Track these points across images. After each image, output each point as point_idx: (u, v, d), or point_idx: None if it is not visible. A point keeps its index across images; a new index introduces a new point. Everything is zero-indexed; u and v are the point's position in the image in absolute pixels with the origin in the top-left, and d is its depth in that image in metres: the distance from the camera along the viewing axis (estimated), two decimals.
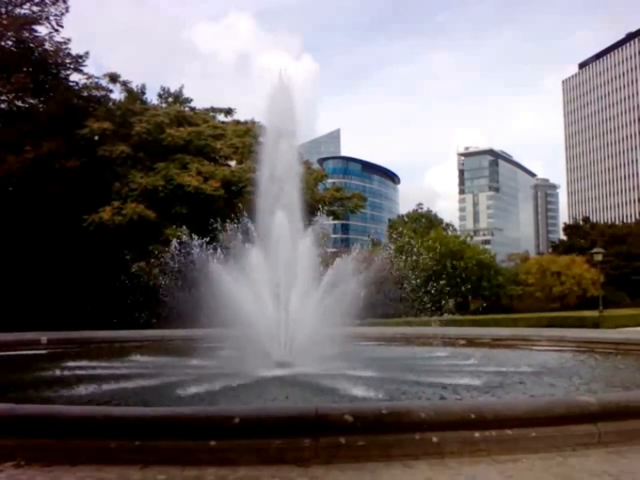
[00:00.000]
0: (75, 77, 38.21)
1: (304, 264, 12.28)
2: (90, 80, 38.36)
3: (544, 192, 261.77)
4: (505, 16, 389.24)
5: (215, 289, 11.91)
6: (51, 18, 36.40)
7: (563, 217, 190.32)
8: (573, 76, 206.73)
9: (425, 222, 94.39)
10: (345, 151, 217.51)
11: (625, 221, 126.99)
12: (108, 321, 25.07)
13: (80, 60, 37.65)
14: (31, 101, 37.54)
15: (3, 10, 36.54)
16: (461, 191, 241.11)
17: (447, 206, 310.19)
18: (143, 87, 44.13)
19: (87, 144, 34.79)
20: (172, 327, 19.35)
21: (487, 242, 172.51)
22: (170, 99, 44.68)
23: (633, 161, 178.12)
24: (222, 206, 33.10)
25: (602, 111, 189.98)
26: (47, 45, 36.46)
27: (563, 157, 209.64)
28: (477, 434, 5.52)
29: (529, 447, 5.56)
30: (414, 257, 16.69)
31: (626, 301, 64.79)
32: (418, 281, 16.06)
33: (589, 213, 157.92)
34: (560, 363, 13.16)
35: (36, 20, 36.31)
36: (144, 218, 32.95)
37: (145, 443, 5.29)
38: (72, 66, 37.61)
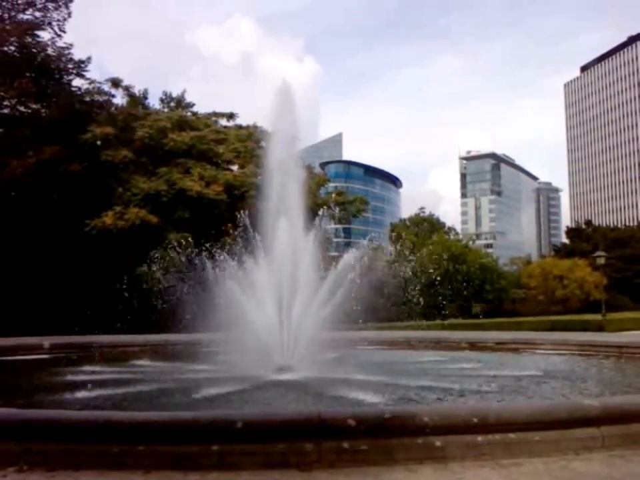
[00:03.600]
0: (77, 82, 38.49)
1: (306, 269, 12.28)
2: (92, 85, 38.59)
3: (546, 195, 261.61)
4: (508, 20, 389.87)
5: (218, 293, 11.92)
6: (54, 23, 36.69)
7: (565, 220, 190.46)
8: (574, 79, 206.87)
9: (427, 226, 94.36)
10: (347, 155, 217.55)
11: (627, 224, 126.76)
12: (110, 325, 25.02)
13: (82, 65, 37.86)
14: (34, 106, 37.68)
15: (6, 15, 36.73)
16: (463, 195, 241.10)
17: (449, 209, 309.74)
18: (145, 91, 44.37)
19: (90, 149, 34.88)
20: (175, 331, 19.34)
21: (489, 246, 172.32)
22: (172, 104, 44.83)
23: (635, 164, 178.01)
24: (224, 210, 33.15)
25: (604, 113, 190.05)
26: (50, 50, 36.67)
27: (565, 160, 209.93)
28: (480, 438, 5.51)
29: (533, 450, 5.55)
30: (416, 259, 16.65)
31: (629, 305, 64.59)
32: (419, 285, 16.02)
33: (592, 216, 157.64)
34: (563, 366, 13.13)
35: (38, 25, 36.51)
36: (146, 222, 33.01)
37: (148, 448, 5.28)
38: (74, 71, 37.78)
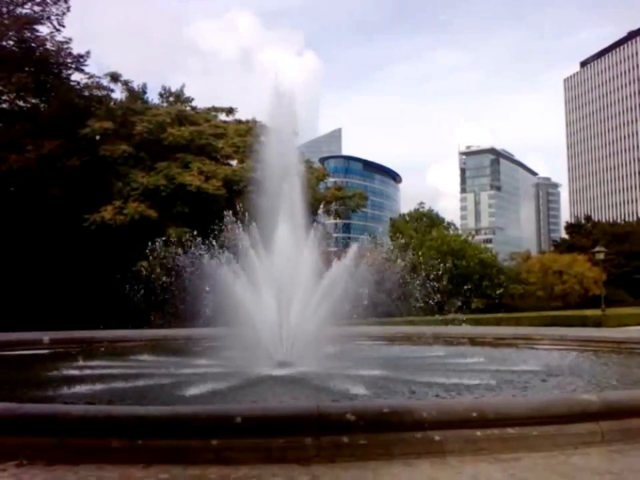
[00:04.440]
0: (76, 76, 38.43)
1: (305, 264, 12.27)
2: (91, 79, 38.51)
3: (545, 190, 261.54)
4: (508, 15, 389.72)
5: (217, 288, 11.92)
6: (52, 17, 36.62)
7: (565, 215, 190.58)
8: (574, 74, 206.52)
9: (426, 221, 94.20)
10: (346, 150, 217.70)
11: (626, 219, 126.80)
12: (110, 320, 25.05)
13: (81, 59, 37.78)
14: (33, 100, 37.65)
15: (5, 10, 36.62)
16: (463, 190, 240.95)
17: (449, 205, 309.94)
18: (144, 86, 44.36)
19: (89, 143, 34.85)
20: (174, 326, 19.36)
21: (488, 241, 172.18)
22: (171, 98, 44.78)
23: (635, 159, 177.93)
24: (223, 205, 33.10)
25: (603, 109, 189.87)
26: (48, 45, 36.58)
27: (564, 155, 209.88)
28: (478, 432, 5.52)
29: (531, 445, 5.56)
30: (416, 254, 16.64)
31: (628, 300, 64.68)
32: (419, 280, 16.01)
33: (591, 212, 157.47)
34: (562, 361, 13.14)
35: (37, 19, 36.42)
36: (145, 217, 32.99)
37: (147, 442, 5.29)
38: (73, 65, 37.71)
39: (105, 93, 39.73)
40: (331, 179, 60.47)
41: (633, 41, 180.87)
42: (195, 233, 13.79)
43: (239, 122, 42.33)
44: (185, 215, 34.03)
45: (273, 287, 11.92)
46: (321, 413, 5.42)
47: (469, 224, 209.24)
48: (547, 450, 5.52)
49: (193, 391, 8.42)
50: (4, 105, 37.19)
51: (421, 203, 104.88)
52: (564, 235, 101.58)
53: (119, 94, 41.26)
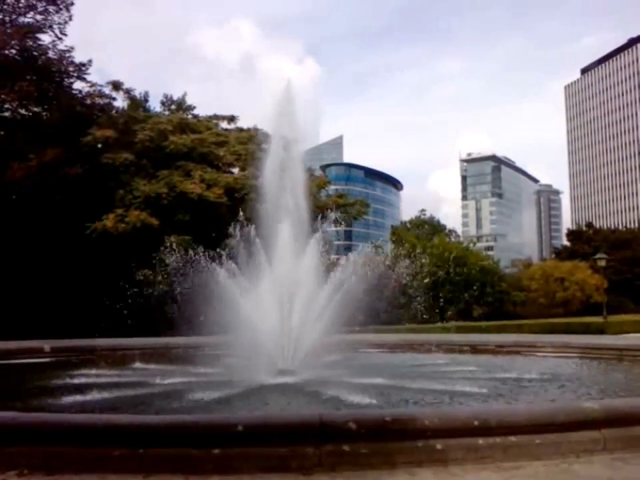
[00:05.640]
0: (78, 84, 38.45)
1: (307, 272, 12.26)
2: (93, 88, 38.52)
3: (547, 197, 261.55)
4: (509, 22, 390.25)
5: (218, 296, 11.91)
6: (55, 26, 36.68)
7: (566, 222, 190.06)
8: (575, 81, 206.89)
9: (427, 228, 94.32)
10: (348, 158, 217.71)
11: (628, 226, 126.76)
12: (111, 328, 25.04)
13: (83, 68, 37.84)
14: (35, 109, 37.69)
15: (7, 19, 36.76)
16: (464, 197, 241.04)
17: (450, 212, 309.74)
18: (146, 94, 44.50)
19: (90, 152, 34.90)
20: (175, 334, 19.34)
21: (490, 248, 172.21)
22: (173, 107, 44.89)
23: (636, 167, 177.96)
24: (225, 213, 33.13)
25: (604, 116, 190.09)
26: (51, 53, 36.66)
27: (565, 162, 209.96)
28: (480, 441, 5.51)
29: (533, 453, 5.54)
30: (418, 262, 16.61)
31: (629, 307, 64.53)
32: (420, 288, 16.00)
33: (592, 219, 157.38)
34: (565, 369, 13.12)
35: (39, 28, 36.53)
36: (147, 225, 32.99)
37: (148, 451, 5.28)
38: (75, 74, 37.77)
39: (106, 101, 39.77)
40: (332, 187, 60.42)
41: (634, 47, 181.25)
42: (197, 240, 13.80)
43: (241, 130, 42.37)
44: (186, 223, 34.03)
45: (275, 295, 11.91)
46: (322, 422, 5.40)
47: (471, 231, 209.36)
48: (549, 458, 5.51)
49: (192, 399, 8.42)
50: (6, 114, 37.24)
51: (423, 210, 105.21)
52: (565, 242, 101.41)
53: (120, 102, 41.38)
